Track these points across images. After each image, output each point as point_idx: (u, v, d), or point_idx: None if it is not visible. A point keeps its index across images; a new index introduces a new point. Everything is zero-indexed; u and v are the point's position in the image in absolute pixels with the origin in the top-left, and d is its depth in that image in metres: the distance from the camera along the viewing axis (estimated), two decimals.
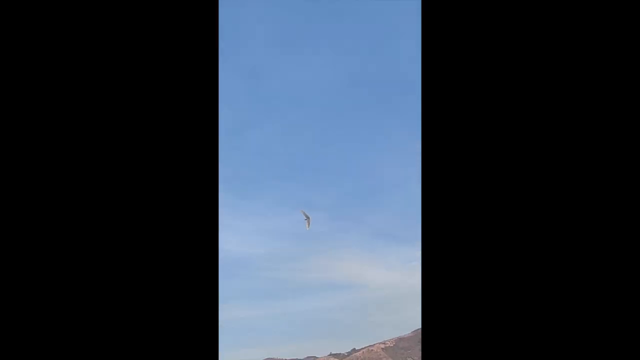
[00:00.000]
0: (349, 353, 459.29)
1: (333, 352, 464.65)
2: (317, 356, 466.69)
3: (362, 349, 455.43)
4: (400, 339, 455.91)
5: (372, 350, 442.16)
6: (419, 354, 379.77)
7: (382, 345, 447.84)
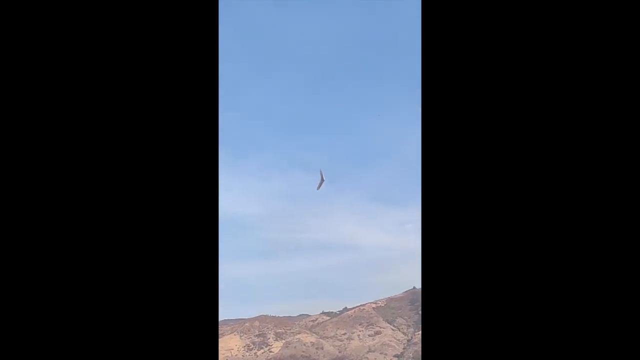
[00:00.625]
0: (341, 312, 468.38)
1: (325, 311, 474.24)
2: (309, 314, 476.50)
3: (354, 308, 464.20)
4: (391, 299, 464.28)
5: (363, 309, 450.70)
6: (410, 314, 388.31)
7: (374, 305, 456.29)
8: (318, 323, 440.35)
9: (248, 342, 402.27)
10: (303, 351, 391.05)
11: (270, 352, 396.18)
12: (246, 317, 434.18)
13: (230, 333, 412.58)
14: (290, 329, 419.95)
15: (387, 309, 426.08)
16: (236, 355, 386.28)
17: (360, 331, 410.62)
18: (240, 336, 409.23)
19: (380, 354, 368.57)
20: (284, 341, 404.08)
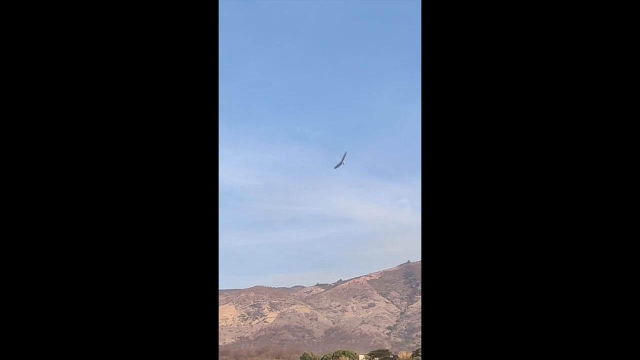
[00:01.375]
0: (335, 284, 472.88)
1: (320, 283, 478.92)
2: (304, 286, 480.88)
3: (348, 280, 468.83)
4: (386, 273, 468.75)
5: (357, 282, 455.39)
6: (403, 287, 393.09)
7: (368, 278, 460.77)
8: (312, 295, 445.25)
9: (243, 312, 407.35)
10: (297, 322, 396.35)
11: (265, 322, 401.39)
12: (241, 288, 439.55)
13: (226, 303, 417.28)
14: (285, 300, 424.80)
15: (381, 282, 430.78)
16: (231, 324, 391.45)
17: (354, 303, 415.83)
18: (236, 306, 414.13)
19: (374, 325, 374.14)
20: (278, 312, 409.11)
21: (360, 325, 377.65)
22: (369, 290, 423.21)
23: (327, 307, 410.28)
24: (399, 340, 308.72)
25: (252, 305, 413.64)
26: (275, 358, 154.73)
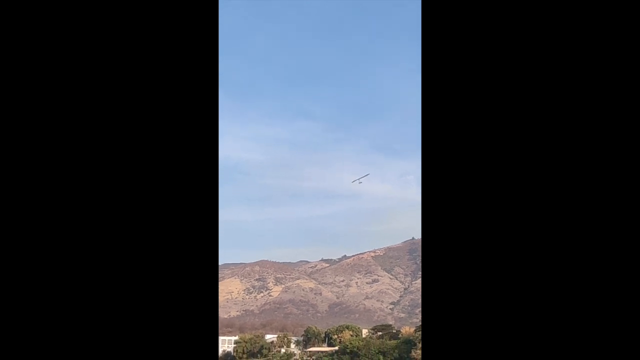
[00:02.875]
0: (340, 259, 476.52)
1: (324, 258, 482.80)
2: (309, 261, 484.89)
3: (353, 256, 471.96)
4: (390, 249, 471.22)
5: (362, 257, 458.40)
6: (407, 263, 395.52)
7: (372, 254, 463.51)
8: (317, 270, 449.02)
9: (248, 286, 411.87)
10: (302, 296, 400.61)
11: (270, 296, 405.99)
12: (247, 262, 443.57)
13: (231, 277, 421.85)
14: (289, 275, 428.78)
15: (386, 258, 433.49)
16: (236, 298, 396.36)
17: (358, 279, 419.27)
18: (241, 280, 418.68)
19: (377, 301, 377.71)
20: (283, 286, 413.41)
21: (364, 300, 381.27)
22: (373, 266, 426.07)
23: (332, 282, 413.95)
24: (402, 315, 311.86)
25: (257, 279, 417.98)
26: (280, 331, 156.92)
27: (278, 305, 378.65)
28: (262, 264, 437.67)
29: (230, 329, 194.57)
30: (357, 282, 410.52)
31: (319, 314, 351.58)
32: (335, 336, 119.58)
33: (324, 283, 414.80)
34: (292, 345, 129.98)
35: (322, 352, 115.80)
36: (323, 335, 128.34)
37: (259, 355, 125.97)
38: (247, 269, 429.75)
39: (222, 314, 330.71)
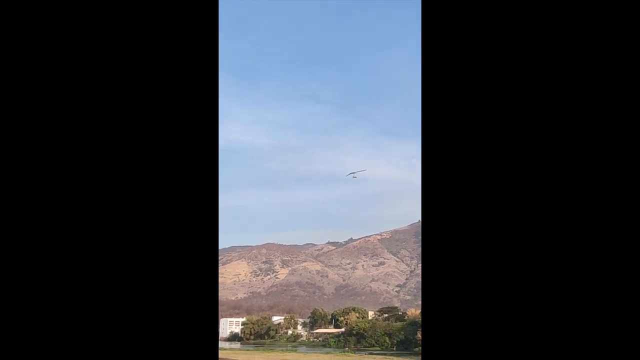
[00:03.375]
0: (346, 242, 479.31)
1: (331, 241, 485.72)
2: (315, 243, 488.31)
3: (359, 239, 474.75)
4: (396, 232, 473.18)
5: (368, 240, 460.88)
6: (414, 246, 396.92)
7: (379, 237, 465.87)
8: (323, 252, 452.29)
9: (255, 268, 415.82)
10: (308, 278, 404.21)
11: (277, 278, 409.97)
12: (253, 245, 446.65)
13: (238, 259, 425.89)
14: (296, 257, 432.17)
15: (392, 241, 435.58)
16: (244, 280, 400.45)
17: (364, 261, 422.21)
18: (248, 262, 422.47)
19: (383, 283, 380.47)
20: (289, 268, 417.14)
21: (370, 282, 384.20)
22: (380, 249, 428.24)
23: (338, 265, 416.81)
24: (408, 298, 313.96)
25: (264, 262, 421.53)
26: (286, 313, 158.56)
27: (285, 288, 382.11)
28: (268, 246, 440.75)
29: (237, 311, 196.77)
30: (363, 265, 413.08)
31: (325, 296, 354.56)
32: (342, 318, 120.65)
33: (331, 266, 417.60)
34: (299, 327, 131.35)
35: (328, 333, 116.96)
36: (329, 317, 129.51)
37: (266, 336, 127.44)
38: (254, 251, 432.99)
39: (230, 296, 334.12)
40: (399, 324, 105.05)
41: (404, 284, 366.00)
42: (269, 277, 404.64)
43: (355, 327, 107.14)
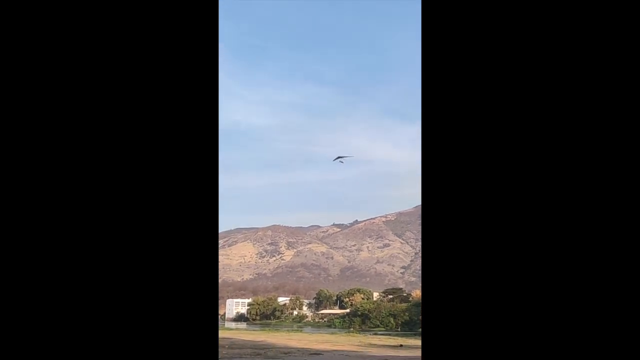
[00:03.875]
0: (351, 224, 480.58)
1: (336, 223, 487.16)
2: (320, 225, 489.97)
3: (364, 221, 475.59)
4: (401, 214, 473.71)
5: (373, 222, 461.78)
6: (419, 228, 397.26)
7: (384, 219, 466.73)
8: (329, 234, 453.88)
9: (260, 250, 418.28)
10: (313, 260, 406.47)
11: (282, 260, 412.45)
12: (259, 226, 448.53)
13: (244, 241, 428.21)
14: (301, 239, 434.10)
15: (397, 223, 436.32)
16: (249, 261, 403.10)
17: (369, 243, 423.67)
18: (253, 244, 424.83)
19: (388, 265, 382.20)
20: (295, 250, 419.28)
21: (375, 264, 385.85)
22: (385, 231, 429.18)
23: (343, 247, 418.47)
24: (413, 279, 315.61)
25: (269, 244, 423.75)
26: (292, 294, 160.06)
27: (290, 269, 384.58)
28: (274, 228, 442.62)
29: (243, 292, 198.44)
30: (368, 247, 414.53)
31: (330, 278, 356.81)
32: (347, 299, 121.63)
33: (336, 247, 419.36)
34: (304, 308, 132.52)
35: (333, 314, 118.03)
36: (335, 298, 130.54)
37: (271, 317, 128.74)
38: (260, 233, 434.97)
39: (235, 277, 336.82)
40: (403, 305, 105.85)
41: (409, 265, 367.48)
42: (274, 258, 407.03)
43: (360, 308, 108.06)
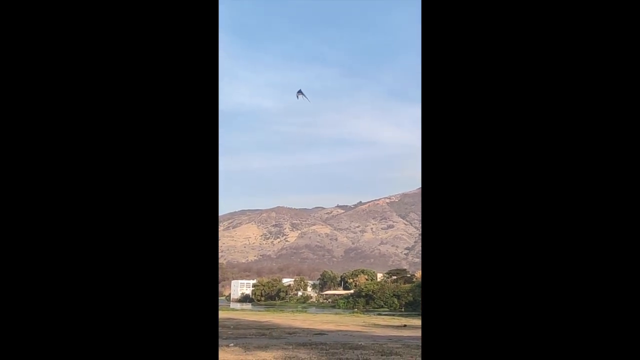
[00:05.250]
0: (355, 205, 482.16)
1: (340, 204, 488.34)
2: (324, 207, 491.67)
3: (368, 202, 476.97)
4: (405, 195, 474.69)
5: (377, 204, 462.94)
6: None
7: (387, 200, 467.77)
8: (333, 216, 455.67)
9: (265, 232, 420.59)
10: (318, 241, 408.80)
11: (286, 241, 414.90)
12: (263, 208, 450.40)
13: (248, 222, 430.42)
14: (305, 221, 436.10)
15: (401, 204, 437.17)
16: (254, 243, 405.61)
17: (373, 224, 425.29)
18: (258, 226, 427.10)
19: (392, 246, 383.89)
20: (299, 231, 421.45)
21: (379, 245, 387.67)
22: (388, 212, 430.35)
23: (347, 228, 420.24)
24: (417, 260, 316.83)
25: (273, 225, 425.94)
26: (296, 275, 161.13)
27: (294, 251, 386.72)
28: (278, 210, 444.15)
29: (248, 273, 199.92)
30: (372, 228, 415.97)
31: (334, 259, 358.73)
32: (351, 280, 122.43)
33: (340, 229, 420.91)
34: (309, 289, 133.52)
35: (337, 295, 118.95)
36: (339, 279, 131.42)
37: (276, 297, 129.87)
38: (264, 215, 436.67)
39: (240, 258, 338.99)
40: (407, 286, 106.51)
41: (413, 246, 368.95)
42: (278, 240, 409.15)
43: (364, 289, 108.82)
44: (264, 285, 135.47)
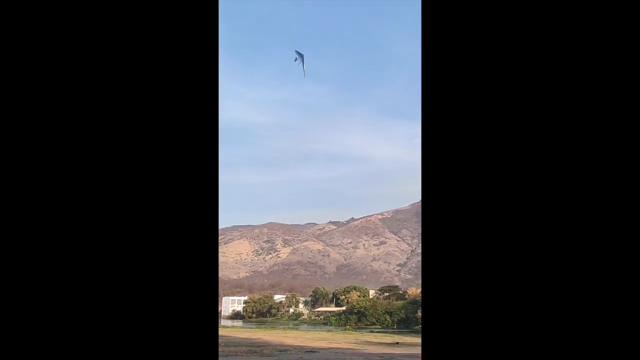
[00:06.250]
0: (348, 222, 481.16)
1: (332, 220, 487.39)
2: (317, 223, 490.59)
3: (361, 218, 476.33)
4: (398, 211, 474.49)
5: (370, 220, 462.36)
6: (415, 225, 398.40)
7: (380, 216, 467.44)
8: (325, 232, 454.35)
9: (257, 248, 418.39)
10: (310, 257, 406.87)
11: (278, 257, 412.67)
12: (255, 224, 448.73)
13: (240, 238, 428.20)
14: (297, 237, 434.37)
15: (393, 221, 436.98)
16: (245, 259, 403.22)
17: (365, 241, 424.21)
18: (250, 242, 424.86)
19: (384, 262, 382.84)
20: (291, 247, 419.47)
21: (371, 262, 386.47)
22: (381, 228, 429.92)
23: (339, 244, 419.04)
24: (409, 277, 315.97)
25: (265, 241, 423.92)
26: (288, 292, 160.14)
27: (286, 267, 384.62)
28: (270, 226, 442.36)
29: (239, 289, 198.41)
30: (364, 244, 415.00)
31: (326, 275, 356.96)
32: (343, 297, 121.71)
33: (332, 245, 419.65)
34: (301, 305, 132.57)
35: (329, 312, 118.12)
36: (331, 295, 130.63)
37: (267, 314, 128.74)
38: (256, 230, 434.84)
39: (232, 274, 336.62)
40: (399, 303, 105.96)
41: (405, 263, 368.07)
42: (270, 256, 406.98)
43: (357, 306, 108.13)
44: (255, 302, 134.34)
